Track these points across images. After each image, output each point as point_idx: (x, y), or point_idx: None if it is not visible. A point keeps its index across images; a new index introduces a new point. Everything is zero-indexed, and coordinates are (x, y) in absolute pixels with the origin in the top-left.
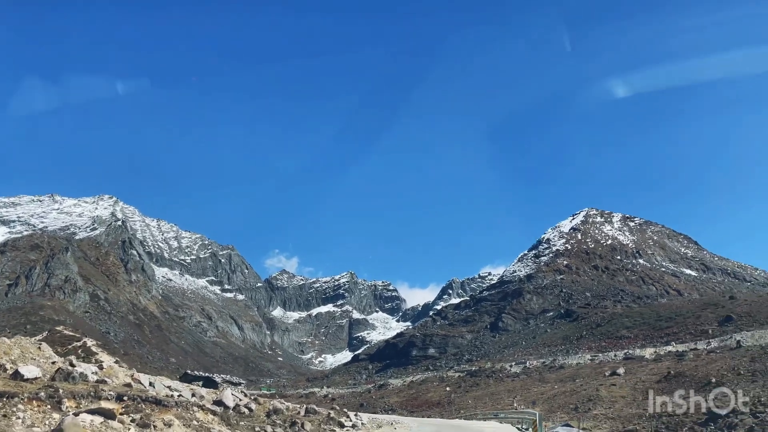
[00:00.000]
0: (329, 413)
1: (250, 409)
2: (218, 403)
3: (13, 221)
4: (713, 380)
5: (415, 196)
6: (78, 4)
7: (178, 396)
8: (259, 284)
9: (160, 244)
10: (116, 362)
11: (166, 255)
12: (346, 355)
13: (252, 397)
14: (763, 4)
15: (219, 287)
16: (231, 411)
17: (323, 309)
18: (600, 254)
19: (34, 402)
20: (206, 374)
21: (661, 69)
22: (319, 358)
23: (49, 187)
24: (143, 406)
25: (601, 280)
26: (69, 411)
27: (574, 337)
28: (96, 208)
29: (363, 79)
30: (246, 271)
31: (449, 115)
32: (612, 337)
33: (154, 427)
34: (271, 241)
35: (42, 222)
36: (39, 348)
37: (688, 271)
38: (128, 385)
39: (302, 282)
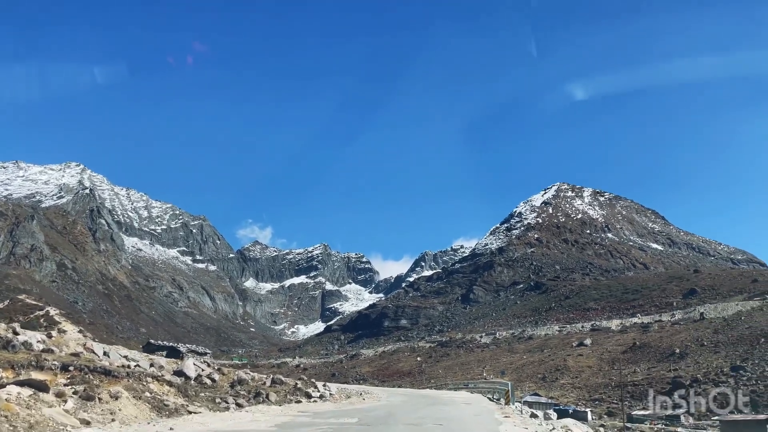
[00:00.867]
0: (296, 383)
1: (213, 380)
2: (179, 373)
3: None
4: (677, 351)
5: (389, 170)
6: None
7: (135, 366)
8: (231, 255)
9: (130, 214)
10: (80, 332)
11: (135, 225)
12: (318, 326)
13: (216, 368)
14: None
15: (190, 258)
16: (192, 382)
17: (296, 280)
18: (570, 228)
19: None
20: (171, 344)
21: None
22: (292, 329)
23: (13, 154)
24: (91, 377)
25: (571, 253)
26: (4, 381)
27: (543, 309)
28: (63, 176)
29: (346, 59)
30: (218, 242)
31: (425, 95)
32: (580, 309)
33: (99, 399)
34: (244, 211)
35: (6, 189)
36: None
37: (654, 246)
38: (76, 354)
39: (275, 253)
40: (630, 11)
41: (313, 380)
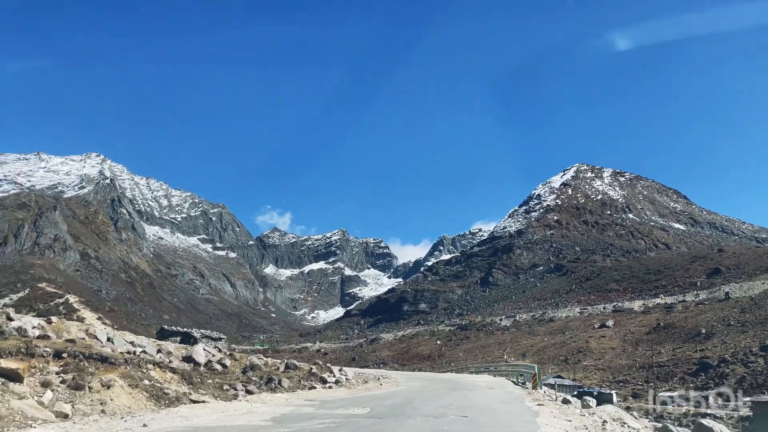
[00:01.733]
0: (311, 369)
1: (224, 366)
2: (187, 359)
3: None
4: (703, 331)
5: (407, 154)
6: None
7: (141, 352)
8: (250, 242)
9: (150, 203)
10: (98, 318)
11: (156, 213)
12: (338, 311)
13: (227, 353)
14: None
15: (210, 245)
16: (202, 368)
17: (315, 266)
18: (590, 209)
19: None
20: (185, 329)
21: (661, 22)
22: (312, 314)
23: (36, 145)
24: (86, 364)
25: (591, 234)
26: None
27: (564, 291)
28: (84, 167)
29: (358, 41)
30: (237, 229)
31: (444, 74)
32: (601, 291)
33: (90, 388)
34: (263, 198)
35: (29, 180)
36: None
37: (677, 225)
38: (71, 340)
39: (294, 240)
40: None
41: (328, 365)
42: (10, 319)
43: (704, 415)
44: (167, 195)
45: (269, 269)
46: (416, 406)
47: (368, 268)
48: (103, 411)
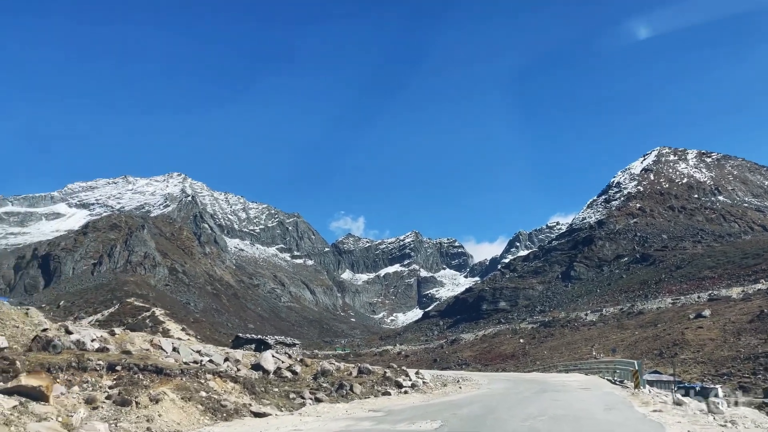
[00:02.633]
0: (385, 372)
1: (295, 372)
2: (256, 367)
3: (93, 204)
4: None
5: (477, 152)
6: None
7: (207, 361)
8: (326, 249)
9: (230, 217)
10: (182, 330)
11: (236, 226)
12: (416, 313)
13: (298, 359)
14: None
15: (288, 254)
16: (271, 375)
17: (390, 269)
18: (675, 194)
19: None
20: (258, 336)
21: None
22: (391, 317)
23: (122, 169)
24: (140, 376)
25: (678, 220)
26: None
27: (653, 282)
28: (167, 186)
29: (399, 42)
30: (313, 237)
31: (504, 68)
32: (694, 279)
33: (137, 404)
34: (336, 204)
35: (119, 203)
36: (26, 314)
37: None
38: (127, 352)
39: (368, 244)
40: None
41: (404, 368)
42: (68, 332)
43: None
44: (245, 208)
45: (346, 275)
46: (499, 416)
47: (444, 269)
48: (148, 429)
